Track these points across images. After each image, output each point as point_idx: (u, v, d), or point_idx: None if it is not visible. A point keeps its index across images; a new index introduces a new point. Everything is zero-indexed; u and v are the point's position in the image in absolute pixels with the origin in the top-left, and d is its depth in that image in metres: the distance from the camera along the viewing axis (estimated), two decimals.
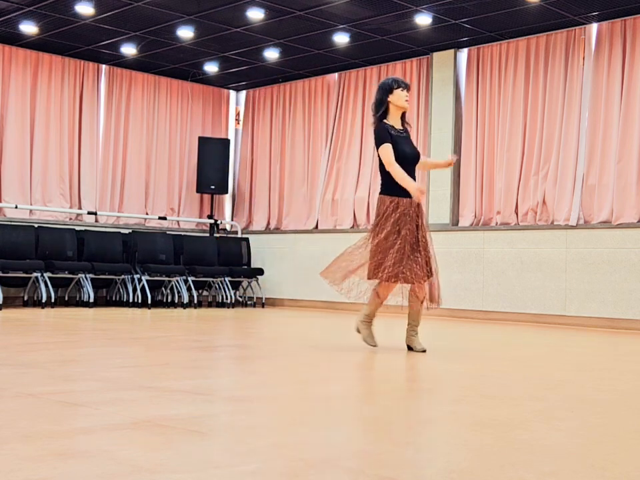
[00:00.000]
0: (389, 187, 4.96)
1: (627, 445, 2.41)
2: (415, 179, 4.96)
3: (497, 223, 8.81)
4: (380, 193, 5.03)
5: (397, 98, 4.96)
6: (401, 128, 5.02)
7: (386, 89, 4.98)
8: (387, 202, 4.95)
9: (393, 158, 4.88)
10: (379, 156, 4.98)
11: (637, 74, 7.91)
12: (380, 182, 5.11)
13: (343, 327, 7.34)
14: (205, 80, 11.14)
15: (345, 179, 10.24)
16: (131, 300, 9.38)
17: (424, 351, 5.01)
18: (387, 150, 4.88)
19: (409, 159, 4.98)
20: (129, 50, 9.67)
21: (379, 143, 4.94)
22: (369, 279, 5.10)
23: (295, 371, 4.06)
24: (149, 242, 9.87)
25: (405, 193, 4.89)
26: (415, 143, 5.22)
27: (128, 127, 10.56)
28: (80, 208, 10.09)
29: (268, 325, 7.69)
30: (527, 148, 8.64)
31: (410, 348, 5.10)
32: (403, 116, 5.05)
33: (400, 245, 4.87)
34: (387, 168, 4.90)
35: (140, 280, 9.40)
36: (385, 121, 4.99)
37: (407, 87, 5.01)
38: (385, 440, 2.37)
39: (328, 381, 3.73)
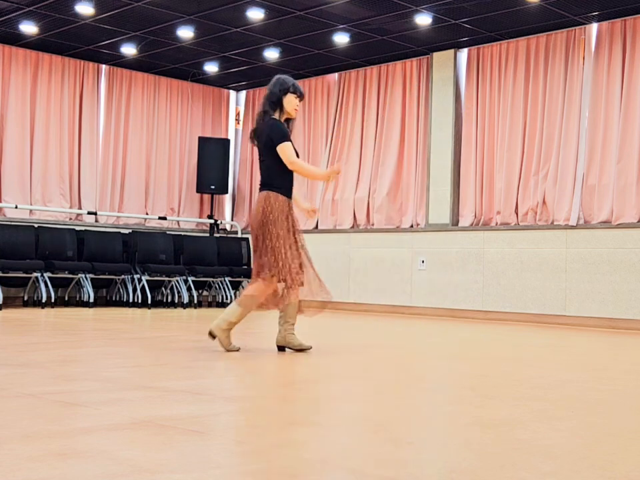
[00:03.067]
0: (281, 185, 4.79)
1: (627, 445, 2.41)
2: (293, 176, 4.82)
3: (497, 223, 8.81)
4: (269, 190, 4.76)
5: (289, 102, 4.83)
6: None
7: (284, 88, 4.83)
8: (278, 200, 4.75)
9: (294, 155, 4.75)
10: (266, 151, 4.76)
11: (637, 74, 7.91)
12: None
13: (342, 327, 7.34)
14: (205, 80, 11.14)
15: (345, 179, 10.24)
16: (130, 300, 9.38)
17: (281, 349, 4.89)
18: (290, 147, 4.73)
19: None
20: (129, 50, 9.67)
21: (280, 139, 4.72)
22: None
23: (294, 371, 4.06)
24: (149, 242, 9.86)
25: (289, 194, 4.80)
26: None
27: (128, 127, 10.56)
28: (80, 208, 10.09)
29: (268, 325, 7.69)
30: (527, 148, 8.64)
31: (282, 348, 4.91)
32: (288, 122, 4.89)
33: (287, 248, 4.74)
34: (290, 166, 4.73)
35: (140, 280, 9.40)
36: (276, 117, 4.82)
37: (301, 97, 4.90)
38: (385, 440, 2.37)
39: (328, 381, 3.73)
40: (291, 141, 4.77)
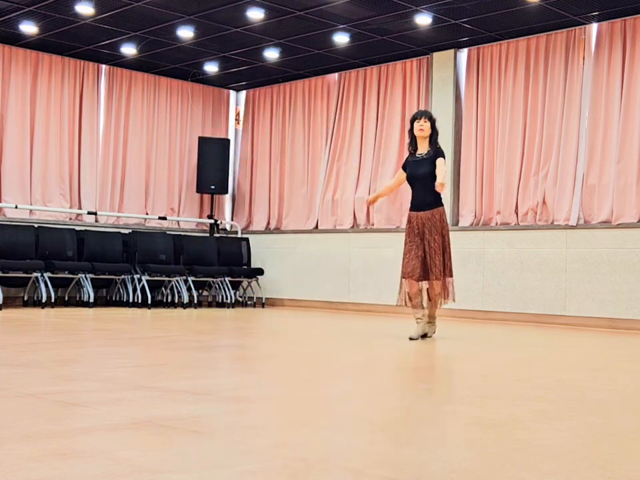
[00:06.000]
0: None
1: (627, 444, 2.41)
2: (421, 194, 5.88)
3: (497, 223, 8.81)
4: None
5: (414, 129, 5.90)
6: (422, 152, 5.89)
7: (410, 125, 5.95)
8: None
9: (393, 180, 6.40)
10: None
11: (637, 74, 7.91)
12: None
13: (343, 327, 7.34)
14: (205, 80, 11.14)
15: (345, 178, 10.24)
16: (130, 300, 9.38)
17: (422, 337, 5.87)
18: (396, 175, 6.39)
19: (413, 178, 5.94)
20: (129, 50, 9.67)
21: None
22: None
23: (295, 371, 4.06)
24: (149, 242, 9.86)
25: (413, 208, 5.91)
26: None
27: (128, 126, 10.56)
28: (80, 208, 10.09)
29: (268, 325, 7.69)
30: (527, 148, 8.63)
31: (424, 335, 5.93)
32: (429, 140, 5.89)
33: (406, 251, 5.90)
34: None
35: (140, 280, 9.40)
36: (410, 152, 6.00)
37: (420, 117, 5.88)
38: (385, 440, 2.37)
39: (328, 381, 3.73)
40: (403, 168, 6.08)
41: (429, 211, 5.80)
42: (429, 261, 5.76)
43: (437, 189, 5.53)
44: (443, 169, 5.70)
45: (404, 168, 6.04)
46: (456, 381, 3.86)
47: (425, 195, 5.83)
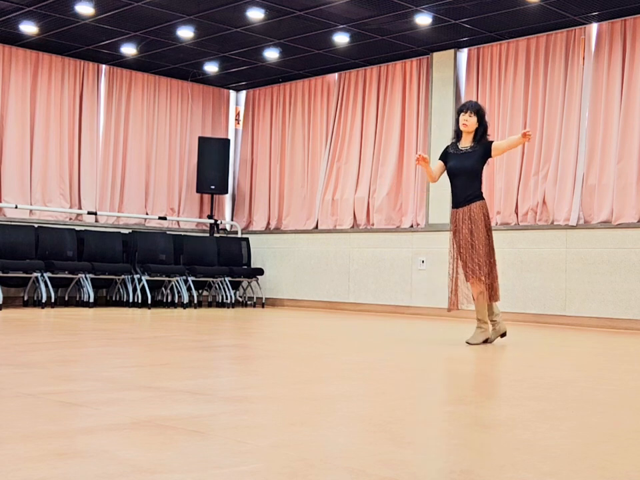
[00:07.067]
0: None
1: (627, 444, 2.41)
2: (460, 189, 5.62)
3: (497, 223, 8.81)
4: None
5: (458, 121, 5.64)
6: (465, 146, 5.63)
7: (457, 115, 5.70)
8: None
9: (434, 173, 5.81)
10: None
11: (637, 74, 7.91)
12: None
13: (343, 327, 7.34)
14: (205, 80, 11.15)
15: (345, 178, 10.24)
16: (130, 300, 9.38)
17: (468, 344, 5.67)
18: (434, 165, 5.91)
19: (452, 173, 5.67)
20: (129, 50, 9.67)
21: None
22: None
23: (295, 371, 4.06)
24: (149, 242, 9.87)
25: (453, 205, 5.71)
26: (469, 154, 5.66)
27: (128, 126, 10.57)
28: (80, 208, 10.09)
29: (268, 325, 7.69)
30: (527, 148, 8.64)
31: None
32: (474, 135, 5.61)
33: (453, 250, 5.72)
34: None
35: (140, 280, 9.40)
36: (452, 142, 5.76)
37: (467, 110, 5.59)
38: (385, 440, 2.37)
39: (328, 381, 3.73)
40: (442, 159, 5.78)
41: (467, 205, 5.53)
42: (466, 259, 5.49)
43: (523, 135, 5.29)
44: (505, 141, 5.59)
45: (443, 159, 5.73)
46: (456, 381, 3.86)
47: (464, 190, 5.57)
